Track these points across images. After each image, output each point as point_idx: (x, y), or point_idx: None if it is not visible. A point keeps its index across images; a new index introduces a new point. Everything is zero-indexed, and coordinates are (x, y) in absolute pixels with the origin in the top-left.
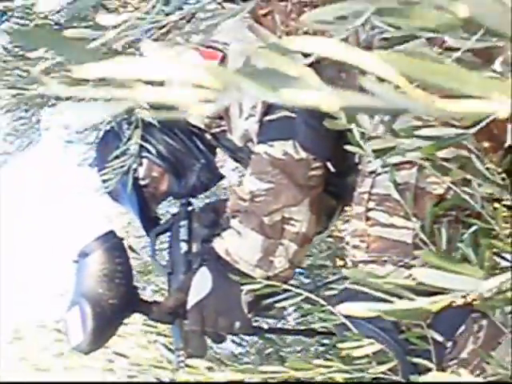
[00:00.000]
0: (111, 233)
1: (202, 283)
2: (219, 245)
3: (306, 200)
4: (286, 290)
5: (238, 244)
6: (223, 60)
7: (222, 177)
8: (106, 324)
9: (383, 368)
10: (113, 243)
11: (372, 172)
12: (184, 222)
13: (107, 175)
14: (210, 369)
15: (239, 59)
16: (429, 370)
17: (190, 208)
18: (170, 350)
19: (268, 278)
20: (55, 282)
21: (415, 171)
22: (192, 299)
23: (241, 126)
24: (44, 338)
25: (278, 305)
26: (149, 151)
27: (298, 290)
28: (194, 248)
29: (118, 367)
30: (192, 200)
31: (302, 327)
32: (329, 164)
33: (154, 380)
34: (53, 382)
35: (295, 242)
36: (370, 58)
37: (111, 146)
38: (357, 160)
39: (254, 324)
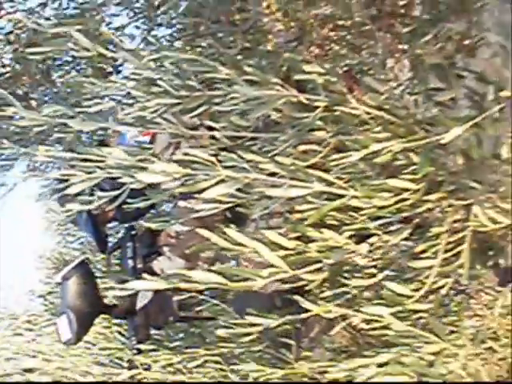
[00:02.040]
0: (84, 262)
1: (146, 293)
2: (157, 265)
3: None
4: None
5: (169, 265)
6: (153, 137)
7: (153, 207)
8: (84, 325)
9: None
10: (85, 270)
11: (254, 219)
12: (129, 244)
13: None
14: (154, 350)
15: (162, 144)
16: (289, 345)
17: (133, 232)
18: (123, 335)
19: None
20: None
21: (281, 219)
22: (140, 303)
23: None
24: None
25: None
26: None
27: (207, 298)
28: (138, 263)
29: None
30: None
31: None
32: (227, 213)
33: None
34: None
35: (207, 264)
36: None
37: None
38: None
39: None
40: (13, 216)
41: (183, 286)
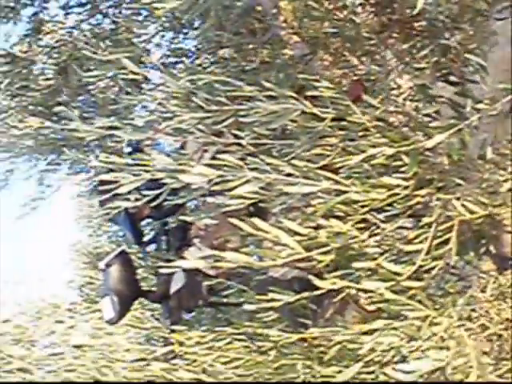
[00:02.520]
0: (123, 251)
1: (178, 279)
2: (188, 256)
3: (237, 230)
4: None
5: (200, 254)
6: (184, 143)
7: (182, 206)
8: (125, 306)
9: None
10: (125, 258)
11: (274, 213)
12: (164, 237)
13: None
14: (186, 331)
15: (192, 148)
16: (306, 325)
17: (166, 227)
18: (157, 319)
19: (218, 274)
20: None
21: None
22: (173, 288)
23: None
24: None
25: (224, 292)
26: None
27: (234, 284)
28: (172, 254)
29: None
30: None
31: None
32: (251, 208)
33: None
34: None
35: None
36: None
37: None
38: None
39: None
40: (48, 213)
41: (218, 264)
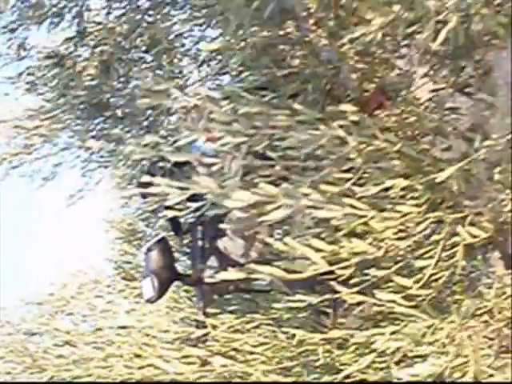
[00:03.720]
0: (163, 238)
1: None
2: (221, 245)
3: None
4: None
5: (232, 245)
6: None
7: None
8: (163, 286)
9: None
10: (164, 244)
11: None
12: (200, 227)
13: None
14: (218, 314)
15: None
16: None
17: (202, 218)
18: (189, 299)
19: (247, 263)
20: None
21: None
22: (206, 273)
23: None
24: None
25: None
26: None
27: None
28: (206, 243)
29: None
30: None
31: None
32: None
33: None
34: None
35: (262, 244)
36: None
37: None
38: None
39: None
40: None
41: (255, 276)
